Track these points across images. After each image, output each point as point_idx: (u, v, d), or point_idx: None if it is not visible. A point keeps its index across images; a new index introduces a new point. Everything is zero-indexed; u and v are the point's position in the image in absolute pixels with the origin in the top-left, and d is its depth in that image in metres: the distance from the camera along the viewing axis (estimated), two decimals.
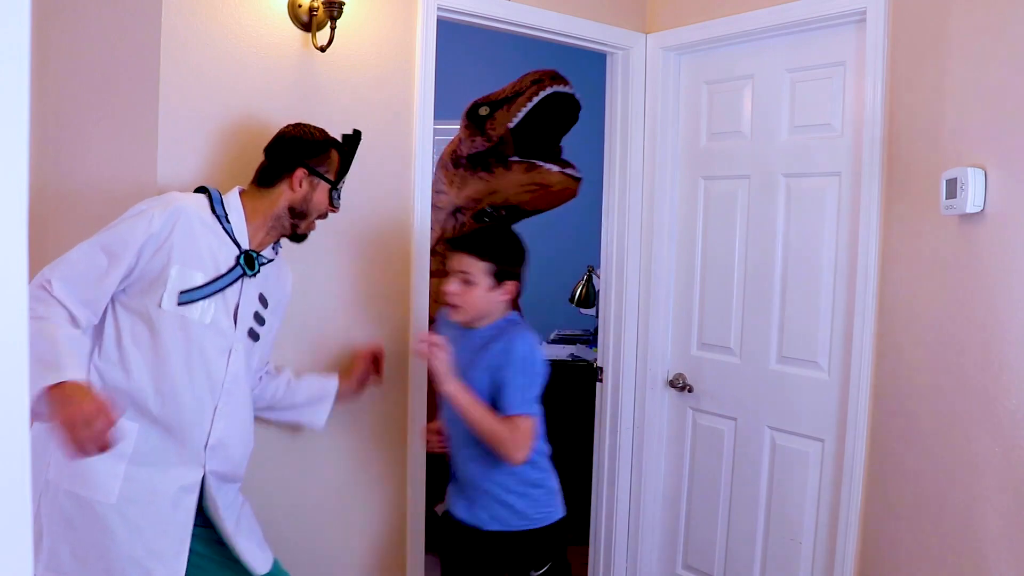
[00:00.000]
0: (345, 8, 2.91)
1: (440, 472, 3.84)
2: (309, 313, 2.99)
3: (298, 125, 2.68)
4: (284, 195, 2.58)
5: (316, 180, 2.60)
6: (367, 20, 3.12)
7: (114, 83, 2.85)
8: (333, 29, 2.91)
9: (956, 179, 2.57)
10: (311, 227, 2.67)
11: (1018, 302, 2.41)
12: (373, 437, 3.28)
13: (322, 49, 2.94)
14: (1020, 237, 2.41)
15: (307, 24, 2.95)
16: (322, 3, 2.89)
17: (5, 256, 0.78)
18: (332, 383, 2.90)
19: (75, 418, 2.02)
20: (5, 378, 0.77)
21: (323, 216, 2.68)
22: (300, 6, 2.93)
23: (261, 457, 2.85)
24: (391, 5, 3.18)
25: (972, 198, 2.51)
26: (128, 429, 2.32)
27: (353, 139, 2.72)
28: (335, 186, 2.64)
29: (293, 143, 2.62)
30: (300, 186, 2.58)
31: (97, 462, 2.26)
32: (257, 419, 2.76)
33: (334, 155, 2.66)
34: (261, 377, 2.79)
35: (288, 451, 3.07)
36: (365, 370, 2.99)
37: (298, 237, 2.67)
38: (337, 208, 2.68)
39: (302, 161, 2.59)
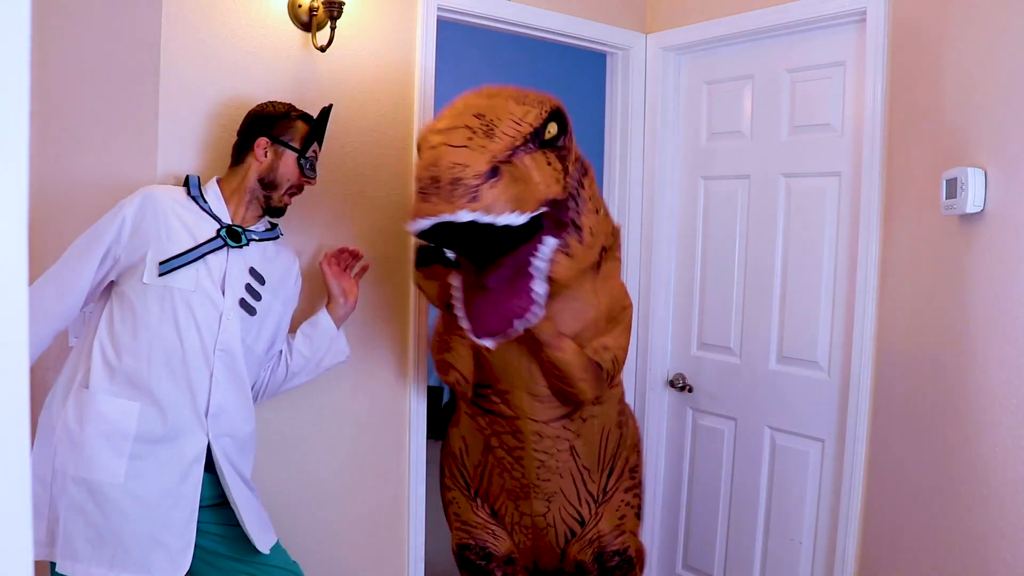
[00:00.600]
0: (345, 8, 2.91)
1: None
2: (307, 309, 2.99)
3: (264, 102, 2.74)
4: (252, 167, 2.64)
5: (281, 149, 2.65)
6: (367, 20, 3.13)
7: (114, 83, 2.85)
8: (333, 29, 2.91)
9: (956, 179, 2.57)
10: (284, 200, 2.70)
11: (1018, 302, 2.41)
12: (373, 426, 3.29)
13: (322, 49, 2.94)
14: (1020, 237, 2.41)
15: (307, 24, 2.96)
16: (322, 3, 2.90)
17: (5, 255, 0.78)
18: (323, 319, 2.88)
19: None
20: (5, 374, 0.77)
21: (296, 188, 2.71)
22: (300, 6, 2.93)
23: (260, 452, 2.86)
24: (391, 5, 3.19)
25: (972, 198, 2.52)
26: (130, 409, 2.39)
27: (323, 112, 2.76)
28: (302, 155, 2.67)
29: (256, 116, 2.69)
30: (265, 156, 2.64)
31: (101, 445, 2.35)
32: (266, 405, 2.82)
33: (299, 124, 2.70)
34: (276, 358, 2.83)
35: (288, 441, 3.07)
36: (337, 282, 2.91)
37: (273, 211, 2.70)
38: (311, 179, 2.71)
39: (264, 131, 2.65)
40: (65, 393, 2.44)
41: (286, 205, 2.71)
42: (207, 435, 2.49)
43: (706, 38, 3.74)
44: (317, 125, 2.73)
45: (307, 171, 2.68)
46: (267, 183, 2.64)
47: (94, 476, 2.36)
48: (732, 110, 3.73)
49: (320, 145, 2.74)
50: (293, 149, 2.65)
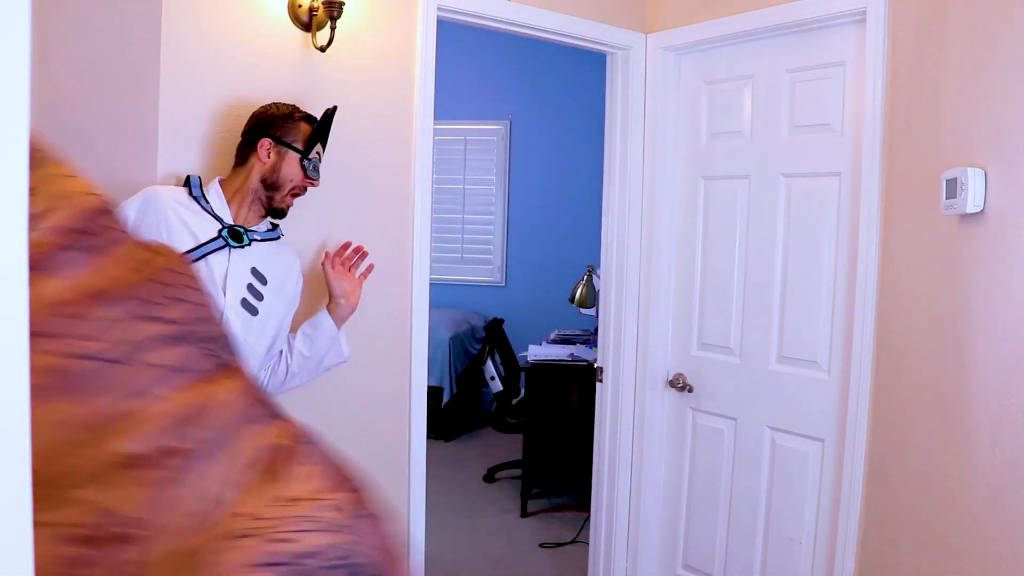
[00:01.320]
0: (345, 8, 2.91)
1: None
2: (309, 309, 2.99)
3: (267, 104, 2.75)
4: (255, 168, 2.66)
5: (284, 150, 2.66)
6: (367, 20, 3.13)
7: (114, 83, 2.85)
8: (333, 29, 2.91)
9: (956, 179, 2.57)
10: (286, 201, 2.70)
11: (1018, 302, 2.41)
12: (373, 425, 3.29)
13: (322, 49, 2.94)
14: (1020, 237, 2.41)
15: (307, 24, 2.96)
16: (322, 3, 2.90)
17: (6, 256, 0.78)
18: (324, 320, 2.88)
19: None
20: (6, 376, 0.77)
21: (300, 189, 2.71)
22: (300, 6, 2.93)
23: None
24: (391, 5, 3.19)
25: (972, 198, 2.52)
26: None
27: (327, 113, 2.76)
28: (305, 156, 2.68)
29: (260, 117, 2.70)
30: (268, 156, 2.65)
31: None
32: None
33: (302, 126, 2.71)
34: (276, 358, 2.82)
35: None
36: (339, 283, 2.90)
37: (275, 212, 2.71)
38: (314, 180, 2.72)
39: (267, 132, 2.66)
40: None
41: (288, 206, 2.71)
42: None
43: (706, 38, 3.74)
44: (321, 127, 2.73)
45: (310, 172, 2.69)
46: (270, 184, 2.65)
47: None
48: (732, 110, 3.73)
49: (324, 147, 2.74)
50: (296, 150, 2.66)
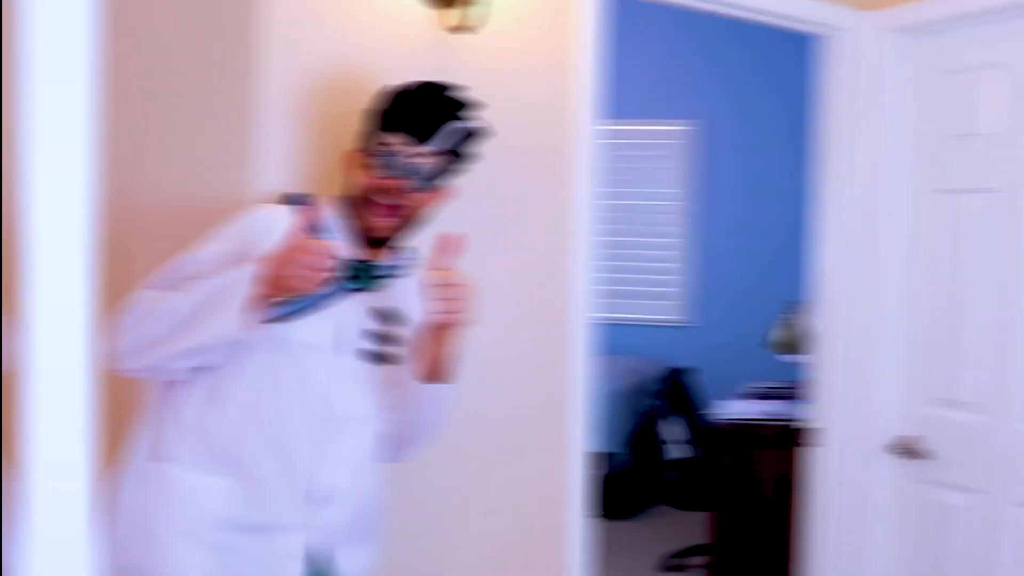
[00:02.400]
0: None
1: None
2: None
3: None
4: None
5: (359, 156, 2.49)
6: None
7: (202, 80, 2.89)
8: (478, 7, 2.88)
9: None
10: (367, 219, 2.44)
11: None
12: (519, 505, 3.28)
13: (463, 31, 2.90)
14: None
15: (449, 0, 2.88)
16: None
17: (67, 273, 0.80)
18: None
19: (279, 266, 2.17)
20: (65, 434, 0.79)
21: (383, 197, 2.41)
22: None
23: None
24: None
25: None
26: (212, 486, 2.32)
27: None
28: (367, 152, 2.45)
29: None
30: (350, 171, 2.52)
31: (173, 533, 2.30)
32: None
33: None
34: None
35: (414, 524, 3.06)
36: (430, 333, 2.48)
37: (370, 238, 2.47)
38: (387, 178, 2.40)
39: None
40: (127, 467, 2.39)
41: (378, 227, 2.45)
42: (308, 525, 2.40)
43: (943, 16, 3.64)
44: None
45: (379, 170, 2.41)
46: (347, 204, 2.49)
47: (165, 570, 2.31)
48: (976, 108, 3.62)
49: (412, 133, 2.42)
50: (362, 151, 2.48)
